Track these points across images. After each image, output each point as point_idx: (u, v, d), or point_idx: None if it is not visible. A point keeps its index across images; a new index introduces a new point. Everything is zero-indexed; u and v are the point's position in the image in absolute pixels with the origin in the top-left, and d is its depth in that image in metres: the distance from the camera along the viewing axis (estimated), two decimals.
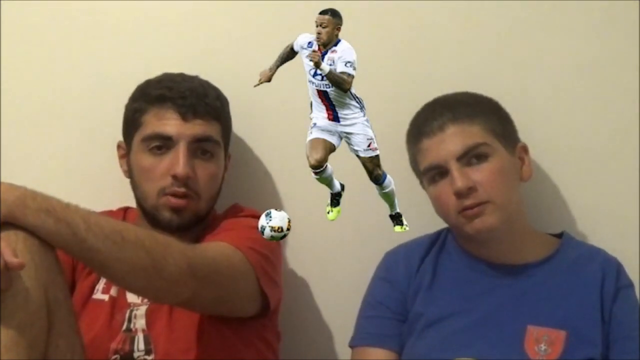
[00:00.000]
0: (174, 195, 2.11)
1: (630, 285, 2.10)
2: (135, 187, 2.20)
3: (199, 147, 2.15)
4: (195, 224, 2.16)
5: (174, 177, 2.11)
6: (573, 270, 2.11)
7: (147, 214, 2.17)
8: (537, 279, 2.10)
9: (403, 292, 2.17)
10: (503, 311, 2.08)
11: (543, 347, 2.00)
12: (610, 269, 2.09)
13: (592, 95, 2.30)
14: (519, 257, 2.13)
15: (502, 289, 2.10)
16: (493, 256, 2.13)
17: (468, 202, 2.03)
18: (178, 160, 2.10)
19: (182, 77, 2.21)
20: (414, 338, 2.12)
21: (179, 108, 2.13)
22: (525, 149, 2.12)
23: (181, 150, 2.11)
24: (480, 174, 2.03)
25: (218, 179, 2.20)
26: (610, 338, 2.03)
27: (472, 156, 2.03)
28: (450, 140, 2.04)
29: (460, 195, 2.02)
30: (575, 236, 2.23)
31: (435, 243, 2.22)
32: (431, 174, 2.08)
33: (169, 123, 2.13)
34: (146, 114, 2.15)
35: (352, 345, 2.21)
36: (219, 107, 2.20)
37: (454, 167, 2.03)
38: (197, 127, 2.13)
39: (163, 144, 2.13)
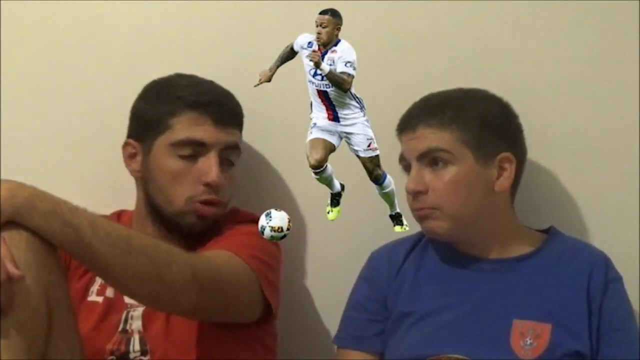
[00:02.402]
0: (206, 203, 2.06)
1: (619, 278, 2.07)
2: (157, 190, 2.10)
3: (226, 155, 2.09)
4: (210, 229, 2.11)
5: (207, 184, 2.05)
6: (559, 263, 2.07)
7: (167, 218, 2.09)
8: (522, 272, 2.07)
9: (383, 292, 2.14)
10: (488, 306, 2.04)
11: (529, 340, 1.97)
12: (598, 263, 2.06)
13: (593, 92, 2.27)
14: (504, 252, 2.09)
15: (487, 283, 2.07)
16: (478, 251, 2.10)
17: (417, 205, 2.02)
18: (212, 168, 2.04)
19: (204, 82, 2.14)
20: (400, 335, 2.08)
21: (214, 115, 2.07)
22: (509, 160, 2.05)
23: (214, 158, 2.05)
24: (436, 179, 2.00)
25: (235, 185, 2.16)
26: (601, 331, 2.00)
27: (432, 159, 2.01)
28: (417, 140, 2.02)
29: (410, 195, 2.01)
30: (574, 233, 2.20)
31: (421, 239, 2.18)
32: (403, 164, 2.07)
33: (203, 129, 2.06)
34: (177, 118, 2.07)
35: (334, 343, 2.20)
36: (242, 115, 2.16)
37: (413, 167, 2.01)
38: (227, 135, 2.08)
39: (194, 150, 2.06)
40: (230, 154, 2.11)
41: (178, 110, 2.08)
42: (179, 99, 2.09)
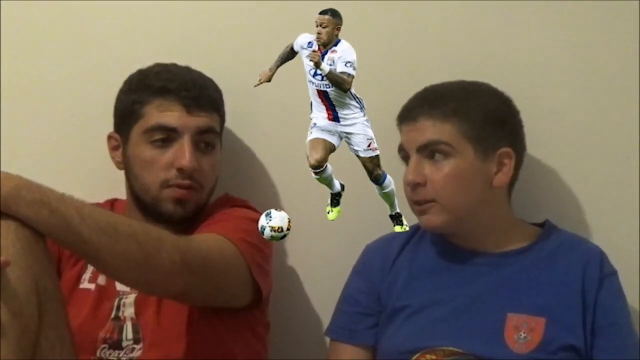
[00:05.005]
0: (179, 187, 2.07)
1: (614, 272, 2.07)
2: (133, 179, 2.13)
3: (201, 139, 2.10)
4: (194, 215, 2.11)
5: (180, 169, 2.05)
6: (554, 258, 2.08)
7: (147, 206, 2.11)
8: (517, 267, 2.07)
9: (376, 286, 2.15)
10: (483, 299, 2.05)
11: (523, 334, 1.98)
12: (593, 257, 2.06)
13: (591, 86, 2.28)
14: (499, 245, 2.10)
15: (482, 277, 2.08)
16: (473, 245, 2.11)
17: (415, 197, 2.02)
18: (184, 153, 2.05)
19: (178, 68, 2.15)
20: (394, 329, 2.09)
21: (182, 100, 2.07)
22: (508, 155, 2.06)
23: (186, 143, 2.06)
24: (435, 171, 2.00)
25: (217, 170, 2.16)
26: (596, 325, 2.01)
27: (432, 151, 2.00)
28: (418, 131, 2.02)
29: (409, 186, 2.01)
30: (573, 228, 2.21)
31: (415, 233, 2.18)
32: (401, 155, 2.07)
33: (172, 115, 2.07)
34: (147, 106, 2.09)
35: (326, 336, 2.22)
36: (218, 99, 2.16)
37: (413, 158, 2.01)
38: (200, 119, 2.09)
39: (166, 135, 2.07)
40: (207, 137, 2.11)
41: (148, 97, 2.10)
42: (148, 87, 2.11)
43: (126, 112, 2.13)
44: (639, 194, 2.25)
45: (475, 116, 2.03)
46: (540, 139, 2.23)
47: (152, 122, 2.08)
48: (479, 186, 2.04)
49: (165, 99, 2.08)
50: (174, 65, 2.17)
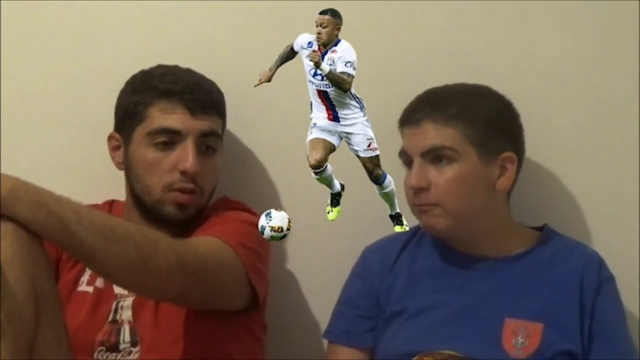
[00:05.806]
0: (182, 191, 2.06)
1: (611, 278, 2.07)
2: (135, 180, 2.12)
3: (204, 143, 2.09)
4: (194, 218, 2.11)
5: (184, 172, 2.05)
6: (552, 263, 2.07)
7: (147, 208, 2.10)
8: (515, 271, 2.07)
9: (375, 288, 2.14)
10: (481, 304, 2.04)
11: (520, 339, 1.98)
12: (591, 263, 2.06)
13: (590, 88, 2.27)
14: (498, 250, 2.09)
15: (480, 281, 2.07)
16: (472, 249, 2.10)
17: (418, 201, 2.01)
18: (187, 156, 2.05)
19: (182, 71, 2.15)
20: (392, 332, 2.09)
21: (186, 103, 2.07)
22: (511, 159, 2.05)
23: (190, 146, 2.06)
24: (439, 176, 1.99)
25: (218, 173, 2.16)
26: (593, 331, 2.00)
27: (436, 156, 1.99)
28: (421, 136, 2.00)
29: (412, 191, 2.00)
30: (572, 232, 2.20)
31: (414, 236, 2.17)
32: (403, 159, 2.05)
33: (176, 117, 2.07)
34: (151, 107, 2.08)
35: (324, 338, 2.21)
36: (221, 103, 2.16)
37: (416, 162, 2.00)
38: (203, 123, 2.08)
39: (170, 138, 2.07)
40: (209, 141, 2.11)
41: (152, 99, 2.09)
42: (152, 89, 2.10)
43: (129, 113, 2.12)
44: (638, 199, 2.25)
45: (479, 120, 2.02)
46: (539, 143, 2.22)
47: (156, 124, 2.07)
48: (482, 190, 2.03)
49: (170, 102, 2.08)
50: (177, 68, 2.16)
